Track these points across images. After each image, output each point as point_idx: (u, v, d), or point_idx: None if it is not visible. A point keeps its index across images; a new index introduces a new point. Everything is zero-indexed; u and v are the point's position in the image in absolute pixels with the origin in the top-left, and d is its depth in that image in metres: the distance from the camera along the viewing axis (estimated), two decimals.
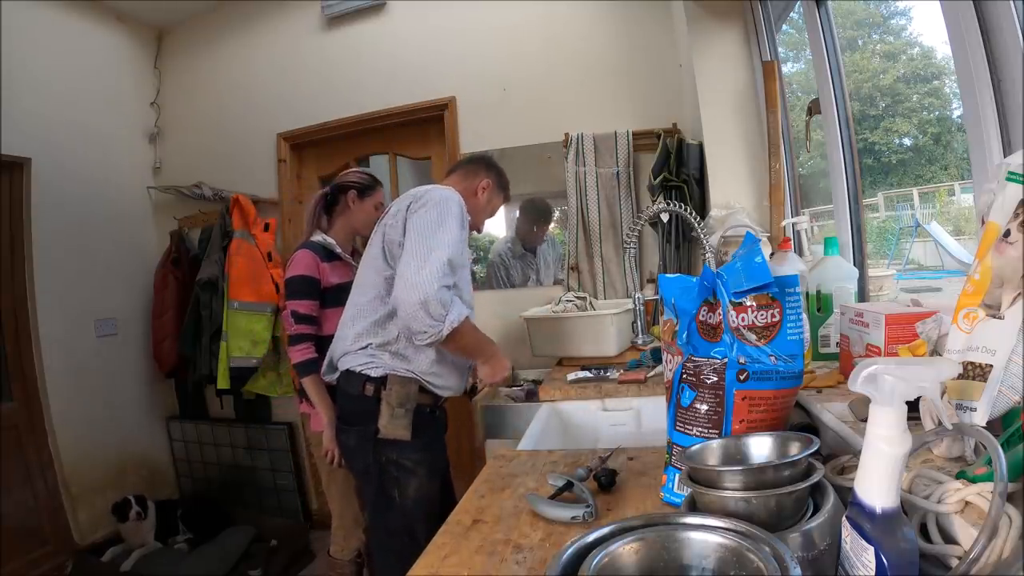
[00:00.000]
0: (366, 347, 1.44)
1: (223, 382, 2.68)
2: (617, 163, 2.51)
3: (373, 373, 1.41)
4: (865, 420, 0.47)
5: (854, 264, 1.52)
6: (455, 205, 1.38)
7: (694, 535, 0.51)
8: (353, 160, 3.08)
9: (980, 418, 0.59)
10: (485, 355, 1.46)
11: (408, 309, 1.25)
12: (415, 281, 1.25)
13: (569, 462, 1.04)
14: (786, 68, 2.12)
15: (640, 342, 2.06)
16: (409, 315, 1.26)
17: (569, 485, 0.86)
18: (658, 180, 2.31)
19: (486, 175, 1.65)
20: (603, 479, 0.89)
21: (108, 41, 3.10)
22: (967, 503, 0.52)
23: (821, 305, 1.25)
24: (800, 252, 1.59)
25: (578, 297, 2.16)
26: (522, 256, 2.77)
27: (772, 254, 1.44)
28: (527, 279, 2.76)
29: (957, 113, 1.58)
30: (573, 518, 0.79)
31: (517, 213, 2.77)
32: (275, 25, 3.11)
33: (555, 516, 0.81)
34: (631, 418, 1.56)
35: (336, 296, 1.75)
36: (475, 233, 1.76)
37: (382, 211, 1.91)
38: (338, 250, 1.86)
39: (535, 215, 2.76)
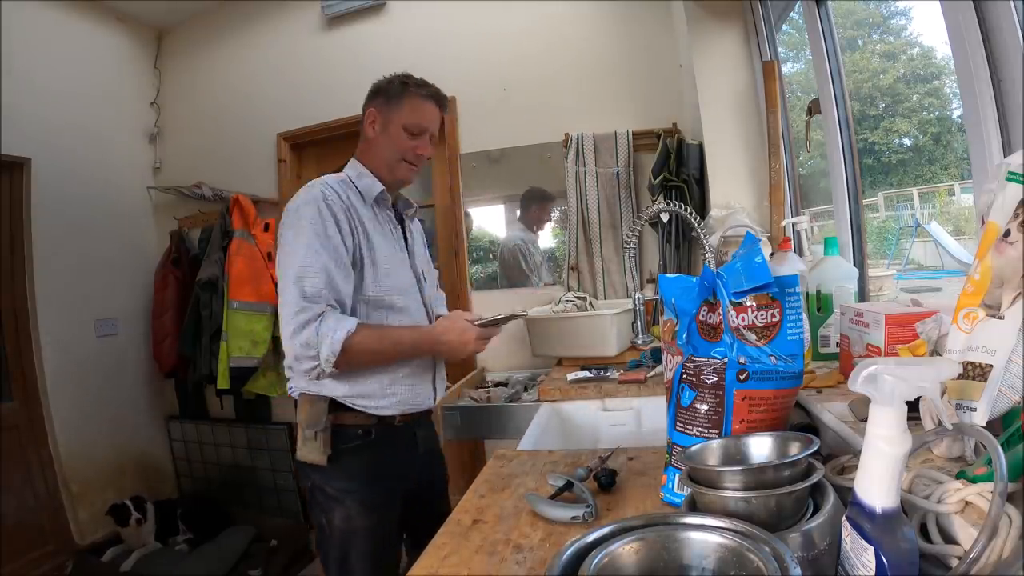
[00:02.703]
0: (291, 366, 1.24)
1: (223, 382, 2.68)
2: (617, 163, 2.51)
3: (293, 394, 1.28)
4: (865, 420, 0.47)
5: (854, 264, 1.52)
6: (306, 205, 1.19)
7: (694, 535, 0.51)
8: None
9: (980, 418, 0.59)
10: (416, 350, 1.26)
11: (291, 365, 1.19)
12: (283, 336, 1.17)
13: (569, 462, 1.04)
14: (786, 68, 2.12)
15: (640, 342, 2.06)
16: (294, 371, 1.21)
17: (569, 485, 0.86)
18: (658, 180, 2.31)
19: (369, 105, 1.33)
20: (603, 479, 0.89)
21: (108, 41, 3.10)
22: (967, 503, 0.52)
23: (821, 305, 1.25)
24: (800, 252, 1.59)
25: (578, 297, 2.16)
26: (535, 242, 2.78)
27: (772, 254, 1.44)
28: (540, 266, 2.77)
29: (957, 113, 1.58)
30: (573, 518, 0.79)
31: (519, 209, 2.78)
32: (275, 25, 3.11)
33: (555, 516, 0.81)
34: (631, 418, 1.56)
35: None
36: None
37: None
38: None
39: (539, 198, 2.76)
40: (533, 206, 2.77)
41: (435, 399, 1.38)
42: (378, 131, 1.31)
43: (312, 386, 1.23)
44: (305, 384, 1.23)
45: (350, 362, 1.16)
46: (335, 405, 1.23)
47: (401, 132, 1.29)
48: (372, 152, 1.33)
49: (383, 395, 1.26)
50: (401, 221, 1.40)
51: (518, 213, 2.78)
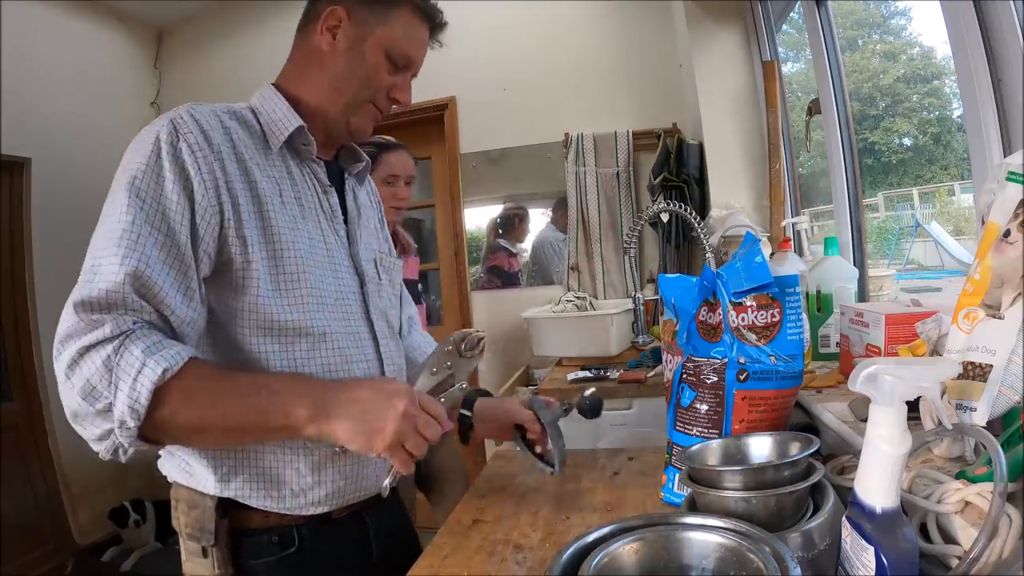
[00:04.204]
0: None
1: None
2: (617, 163, 2.51)
3: (168, 476, 0.80)
4: (865, 420, 0.47)
5: (854, 264, 1.52)
6: (137, 146, 0.69)
7: (694, 535, 0.51)
8: None
9: (980, 418, 0.59)
10: (288, 418, 0.65)
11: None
12: (57, 374, 0.63)
13: (569, 462, 1.03)
14: (786, 68, 2.12)
15: (640, 342, 2.06)
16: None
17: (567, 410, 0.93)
18: (658, 180, 2.31)
19: (331, 1, 0.79)
20: (588, 406, 0.95)
21: (108, 41, 3.10)
22: (967, 503, 0.52)
23: (821, 305, 1.25)
24: (800, 252, 1.59)
25: (578, 297, 2.16)
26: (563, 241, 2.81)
27: (772, 254, 1.44)
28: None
29: (957, 113, 1.58)
30: (541, 470, 0.88)
31: (550, 211, 2.79)
32: (275, 25, 3.11)
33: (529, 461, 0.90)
34: (631, 418, 1.56)
35: None
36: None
37: (398, 184, 1.66)
38: None
39: (562, 205, 2.79)
40: (560, 211, 2.79)
41: (391, 478, 0.74)
42: (342, 45, 0.79)
43: (178, 471, 0.76)
44: (170, 467, 0.77)
45: (167, 431, 0.64)
46: (228, 501, 0.74)
47: (381, 57, 0.80)
48: (319, 74, 0.81)
49: (303, 487, 0.75)
50: (340, 186, 0.88)
51: (550, 215, 2.81)
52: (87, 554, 2.65)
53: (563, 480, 0.95)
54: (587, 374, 1.72)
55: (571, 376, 1.72)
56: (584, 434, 1.59)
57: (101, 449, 0.64)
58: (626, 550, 0.51)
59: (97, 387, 0.60)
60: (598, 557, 0.50)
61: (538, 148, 2.69)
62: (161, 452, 0.78)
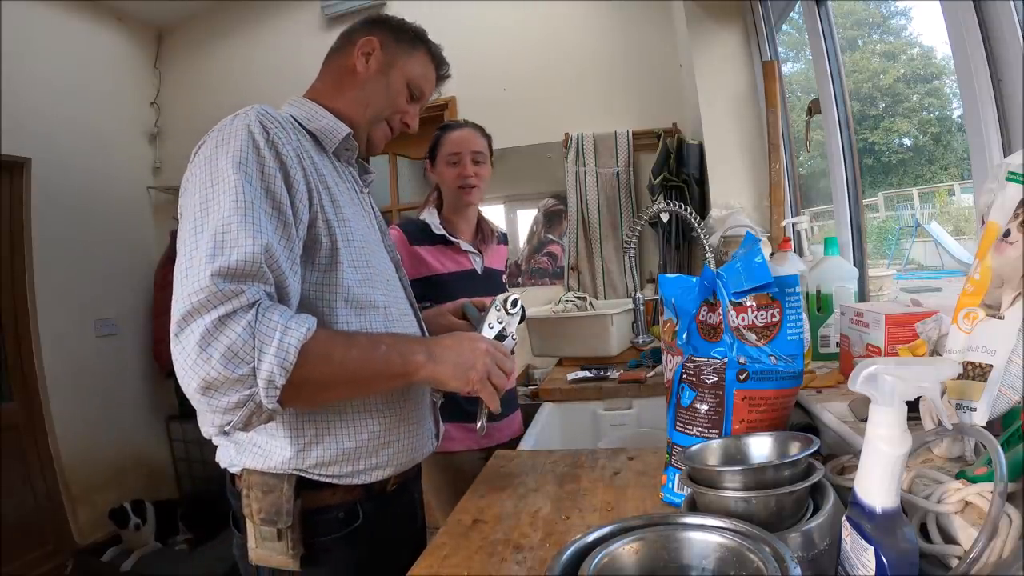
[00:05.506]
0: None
1: None
2: (617, 163, 2.51)
3: (230, 468, 0.85)
4: (865, 420, 0.47)
5: (854, 264, 1.52)
6: (228, 139, 0.73)
7: (694, 535, 0.51)
8: None
9: (980, 418, 0.59)
10: (407, 365, 0.77)
11: (192, 400, 0.66)
12: (178, 352, 0.65)
13: (569, 462, 1.04)
14: (786, 68, 2.12)
15: (640, 342, 2.06)
16: (197, 407, 0.68)
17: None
18: (658, 180, 2.31)
19: (369, 32, 0.94)
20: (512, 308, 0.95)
21: (108, 41, 3.10)
22: (967, 503, 0.52)
23: (821, 305, 1.25)
24: (800, 252, 1.59)
25: (578, 297, 2.16)
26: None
27: (772, 254, 1.44)
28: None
29: (957, 113, 1.58)
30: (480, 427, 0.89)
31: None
32: (275, 25, 3.12)
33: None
34: (631, 418, 1.56)
35: (429, 288, 1.41)
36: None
37: (462, 162, 1.55)
38: (438, 230, 1.51)
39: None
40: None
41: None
42: (373, 68, 0.92)
43: (251, 457, 0.80)
44: (241, 455, 0.81)
45: (301, 389, 0.69)
46: (301, 482, 0.79)
47: (403, 84, 0.95)
48: (351, 91, 0.92)
49: (375, 450, 0.84)
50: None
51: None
52: (87, 554, 2.65)
53: (563, 480, 0.95)
54: (587, 374, 1.72)
55: (571, 376, 1.72)
56: (584, 434, 1.59)
57: (234, 419, 0.66)
58: (626, 550, 0.51)
59: (240, 352, 0.64)
60: (598, 557, 0.49)
61: (538, 148, 2.69)
62: (220, 443, 0.84)
